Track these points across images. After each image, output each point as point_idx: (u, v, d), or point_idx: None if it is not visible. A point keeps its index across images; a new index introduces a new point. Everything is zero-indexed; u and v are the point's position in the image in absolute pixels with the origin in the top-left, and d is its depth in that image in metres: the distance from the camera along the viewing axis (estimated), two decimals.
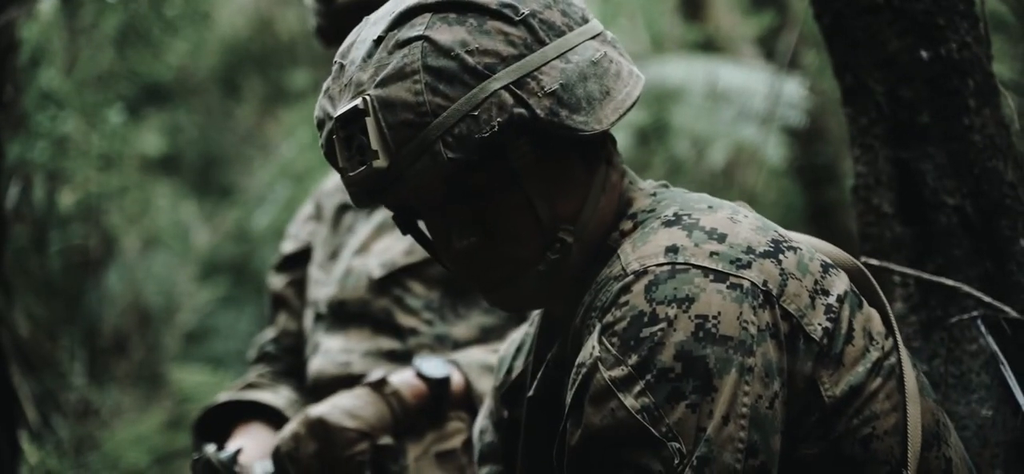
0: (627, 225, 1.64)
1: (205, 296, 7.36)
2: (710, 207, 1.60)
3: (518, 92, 1.53)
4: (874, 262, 2.10)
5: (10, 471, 3.80)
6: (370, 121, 1.53)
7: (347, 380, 2.45)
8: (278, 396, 2.59)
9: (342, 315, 2.55)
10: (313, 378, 2.55)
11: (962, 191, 2.07)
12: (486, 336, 2.48)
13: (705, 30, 6.87)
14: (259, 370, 2.71)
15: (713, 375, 1.46)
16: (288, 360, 2.72)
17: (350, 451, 2.25)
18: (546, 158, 1.58)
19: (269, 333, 2.77)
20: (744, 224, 1.57)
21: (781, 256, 1.54)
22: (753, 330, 1.48)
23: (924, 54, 2.08)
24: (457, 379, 2.36)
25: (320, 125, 1.62)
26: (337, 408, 2.27)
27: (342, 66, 1.60)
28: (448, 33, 1.54)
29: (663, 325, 1.47)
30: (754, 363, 1.47)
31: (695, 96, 6.05)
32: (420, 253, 2.48)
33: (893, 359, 1.59)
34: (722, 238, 1.53)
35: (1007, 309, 2.02)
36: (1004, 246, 2.06)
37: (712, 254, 1.51)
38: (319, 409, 2.27)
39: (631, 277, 1.51)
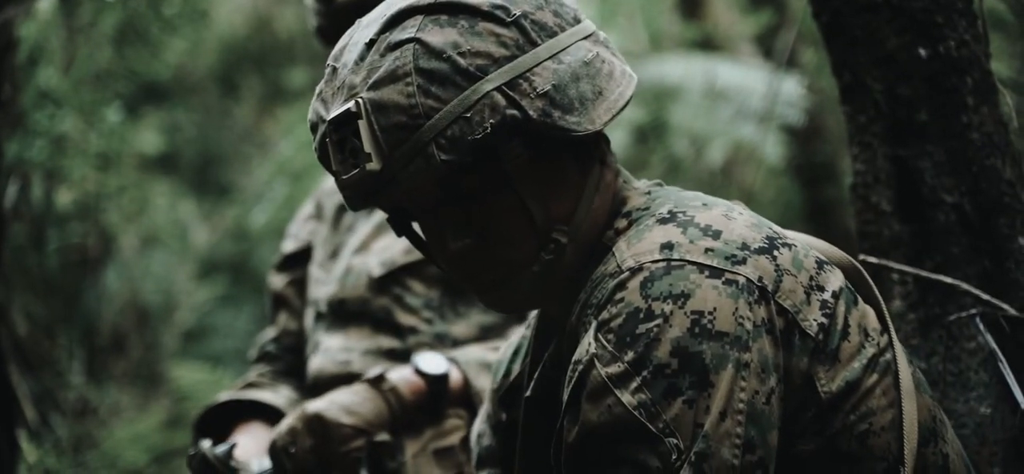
0: (622, 223, 1.64)
1: (203, 295, 7.36)
2: (705, 204, 1.61)
3: (510, 93, 1.53)
4: (872, 260, 2.10)
5: (9, 470, 3.80)
6: (363, 124, 1.53)
7: (347, 378, 2.45)
8: (278, 395, 2.59)
9: (342, 314, 2.55)
10: (313, 376, 2.55)
11: (960, 189, 2.07)
12: (485, 334, 2.48)
13: (703, 28, 6.87)
14: (260, 369, 2.71)
15: (709, 371, 1.46)
16: (289, 359, 2.72)
17: (346, 447, 2.25)
18: (539, 159, 1.59)
19: (270, 332, 2.77)
20: (739, 221, 1.57)
21: (776, 252, 1.54)
22: (749, 326, 1.48)
23: (922, 52, 2.08)
24: (455, 376, 2.37)
25: (313, 128, 1.62)
26: (334, 404, 2.27)
27: (335, 69, 1.61)
28: (440, 35, 1.54)
29: (659, 321, 1.47)
30: (750, 359, 1.47)
31: (693, 94, 6.05)
32: (419, 252, 2.48)
33: (889, 355, 1.59)
34: (717, 235, 1.53)
35: (1005, 307, 2.02)
36: (1002, 244, 2.06)
37: (707, 250, 1.51)
38: (316, 405, 2.27)
39: (626, 274, 1.51)
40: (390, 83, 1.53)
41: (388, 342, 2.49)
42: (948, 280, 2.05)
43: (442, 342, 2.47)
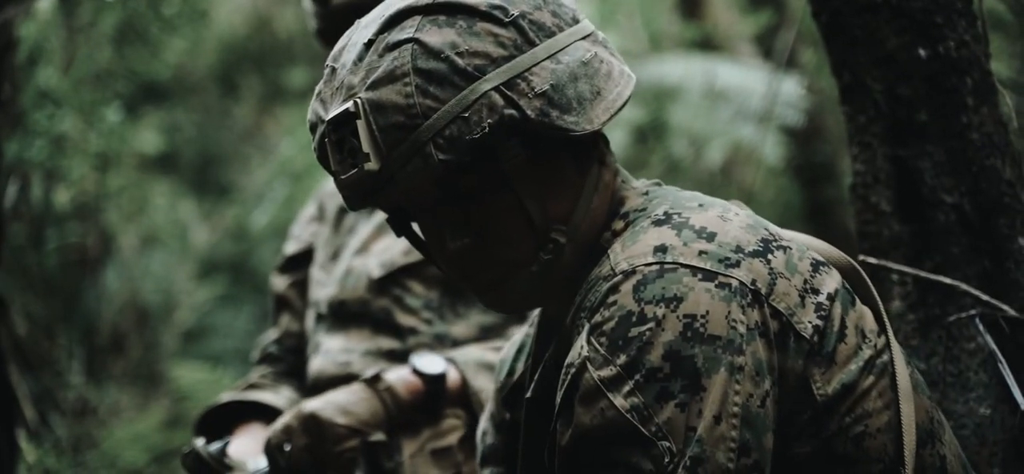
0: (619, 225, 1.64)
1: (203, 294, 7.36)
2: (701, 205, 1.60)
3: (508, 93, 1.53)
4: (872, 260, 2.10)
5: (8, 470, 3.80)
6: (361, 124, 1.54)
7: (347, 379, 2.45)
8: (279, 396, 2.59)
9: (342, 315, 2.55)
10: (313, 377, 2.55)
11: (960, 189, 2.07)
12: (485, 334, 2.48)
13: (703, 28, 6.87)
14: (261, 371, 2.72)
15: (701, 375, 1.46)
16: (290, 360, 2.72)
17: (340, 447, 2.25)
18: (537, 159, 1.59)
19: (272, 334, 2.78)
20: (734, 222, 1.57)
21: (770, 255, 1.54)
22: (742, 329, 1.48)
23: (922, 52, 2.08)
24: (453, 376, 2.37)
25: (312, 128, 1.63)
26: (330, 404, 2.28)
27: (333, 69, 1.61)
28: (438, 35, 1.54)
29: (651, 325, 1.47)
30: (744, 362, 1.47)
31: (693, 94, 6.05)
32: (419, 253, 2.48)
33: (886, 357, 1.59)
34: (711, 237, 1.53)
35: (1005, 307, 2.02)
36: (1002, 244, 2.06)
37: (701, 253, 1.51)
38: (312, 404, 2.28)
39: (619, 277, 1.51)
40: (388, 83, 1.53)
41: (388, 343, 2.49)
42: (948, 281, 2.05)
43: (442, 343, 2.47)
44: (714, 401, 1.45)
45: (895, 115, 2.10)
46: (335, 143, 1.57)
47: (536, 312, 1.87)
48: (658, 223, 1.56)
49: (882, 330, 1.62)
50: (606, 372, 1.48)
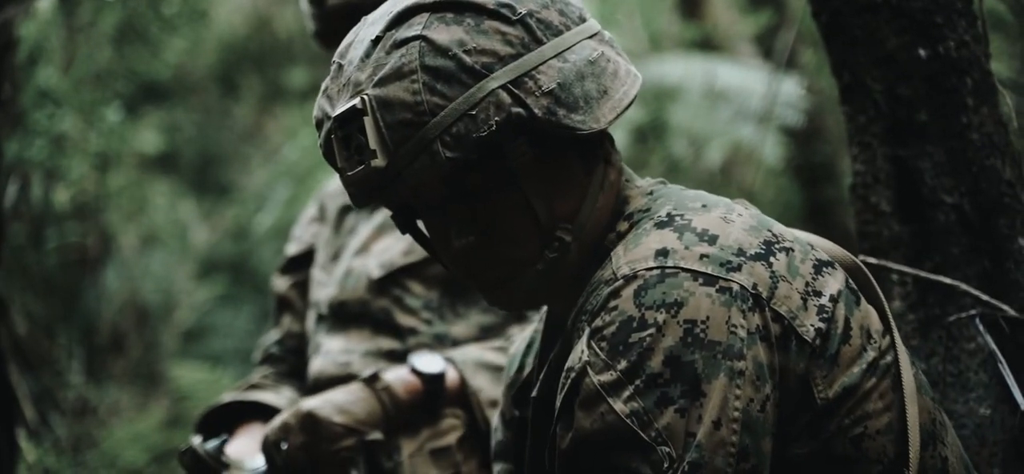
0: (623, 226, 1.64)
1: (203, 294, 7.36)
2: (704, 206, 1.60)
3: (516, 91, 1.53)
4: (872, 260, 2.10)
5: (8, 469, 3.80)
6: (368, 121, 1.53)
7: (347, 380, 2.45)
8: (280, 397, 2.59)
9: (342, 316, 2.55)
10: (313, 378, 2.55)
11: (960, 189, 2.07)
12: (485, 334, 2.48)
13: (703, 28, 6.87)
14: (263, 371, 2.72)
15: (701, 380, 1.46)
16: (292, 361, 2.72)
17: (337, 446, 2.26)
18: (544, 157, 1.58)
19: (273, 335, 2.78)
20: (737, 224, 1.56)
21: (772, 258, 1.54)
22: (742, 333, 1.48)
23: (922, 52, 2.08)
24: (452, 375, 2.37)
25: (318, 125, 1.62)
26: (328, 403, 2.28)
27: (340, 66, 1.61)
28: (446, 33, 1.54)
29: (652, 330, 1.47)
30: (745, 367, 1.47)
31: (693, 95, 6.05)
32: (419, 253, 2.49)
33: (889, 358, 1.59)
34: (713, 240, 1.53)
35: (1005, 307, 2.02)
36: (1002, 244, 2.06)
37: (702, 256, 1.51)
38: (310, 403, 2.28)
39: (621, 281, 1.51)
40: (396, 80, 1.53)
41: (388, 343, 2.49)
42: (948, 281, 2.04)
43: (442, 343, 2.47)
44: (714, 406, 1.45)
45: (895, 115, 2.10)
46: (342, 140, 1.57)
47: (544, 308, 1.87)
48: (660, 225, 1.56)
49: (887, 330, 1.62)
50: (606, 377, 1.48)
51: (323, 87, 1.63)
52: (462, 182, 1.58)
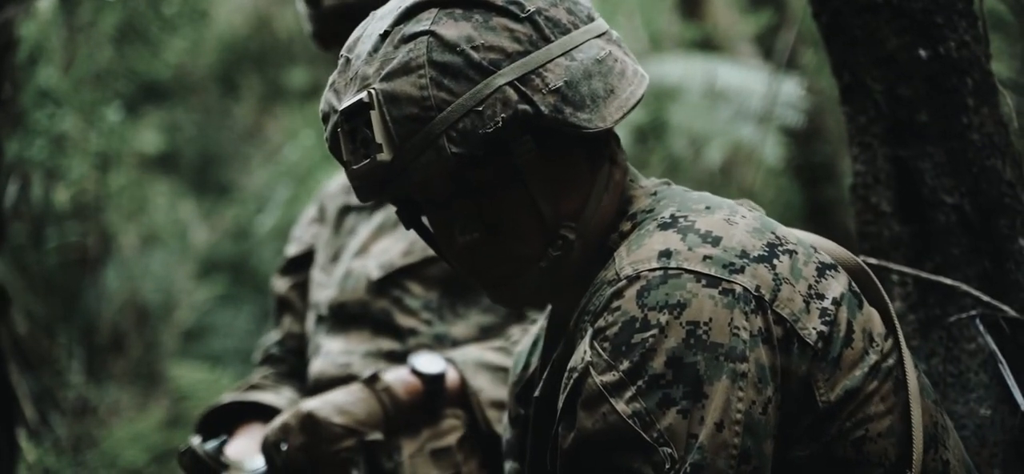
0: (626, 226, 1.64)
1: (203, 294, 7.36)
2: (708, 208, 1.60)
3: (522, 88, 1.54)
4: (873, 261, 2.10)
5: (8, 469, 3.80)
6: (375, 114, 1.54)
7: (347, 381, 2.45)
8: (280, 397, 2.59)
9: (342, 317, 2.55)
10: (314, 379, 2.55)
11: (961, 190, 2.07)
12: (485, 335, 2.48)
13: (703, 28, 6.87)
14: (263, 372, 2.72)
15: (703, 382, 1.46)
16: (292, 362, 2.72)
17: (336, 446, 2.26)
18: (550, 155, 1.59)
19: (274, 336, 2.78)
20: (741, 226, 1.56)
21: (776, 260, 1.54)
22: (745, 336, 1.48)
23: (922, 53, 2.08)
24: (452, 376, 2.36)
25: (325, 118, 1.63)
26: (327, 403, 2.28)
27: (348, 60, 1.61)
28: (454, 28, 1.54)
29: (655, 331, 1.47)
30: (747, 369, 1.47)
31: (693, 94, 6.05)
32: (418, 254, 2.48)
33: (891, 361, 1.59)
34: (716, 242, 1.53)
35: (1006, 308, 2.02)
36: (1002, 245, 2.06)
37: (705, 258, 1.51)
38: (310, 403, 2.28)
39: (623, 282, 1.51)
40: (403, 75, 1.53)
41: (388, 344, 2.49)
42: (948, 281, 2.04)
43: (442, 343, 2.46)
44: (716, 408, 1.45)
45: (895, 116, 2.10)
46: (348, 133, 1.57)
47: (549, 307, 1.87)
48: (664, 226, 1.56)
49: (890, 332, 1.61)
50: (609, 377, 1.48)
51: (330, 81, 1.63)
52: (467, 178, 1.58)
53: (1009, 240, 2.06)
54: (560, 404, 1.54)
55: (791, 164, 6.50)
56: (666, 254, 1.51)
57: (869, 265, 2.05)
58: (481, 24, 1.55)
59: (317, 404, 2.27)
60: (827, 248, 1.69)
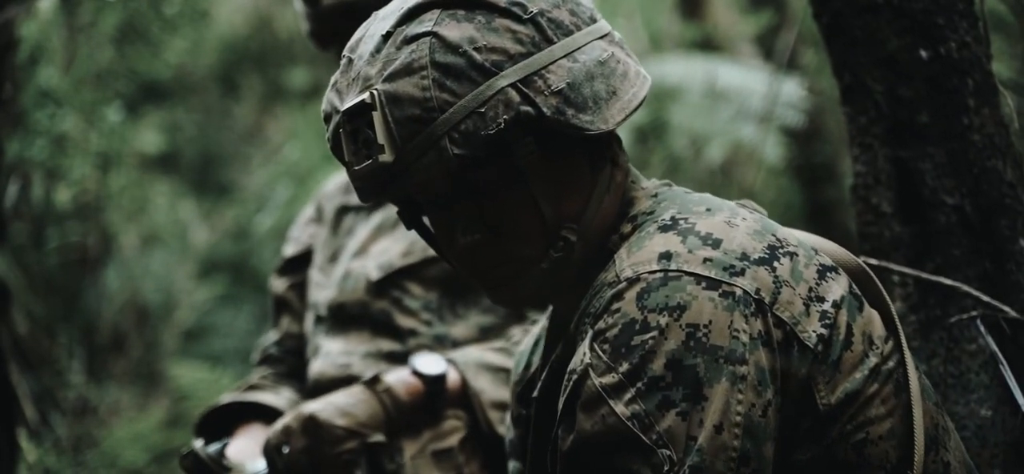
0: (626, 228, 1.64)
1: (203, 294, 7.36)
2: (709, 210, 1.60)
3: (525, 90, 1.53)
4: (873, 261, 2.10)
5: (8, 469, 3.80)
6: (377, 115, 1.54)
7: (348, 382, 2.45)
8: (280, 397, 2.59)
9: (342, 318, 2.55)
10: (314, 380, 2.55)
11: (961, 190, 2.07)
12: (485, 335, 2.48)
13: (703, 29, 6.87)
14: (262, 372, 2.71)
15: (703, 384, 1.46)
16: (291, 362, 2.72)
17: (338, 448, 2.25)
18: (552, 156, 1.59)
19: (272, 336, 2.78)
20: (741, 228, 1.56)
21: (776, 263, 1.54)
22: (745, 338, 1.48)
23: (923, 53, 2.08)
24: (453, 377, 2.36)
25: (327, 118, 1.63)
26: (330, 405, 2.27)
27: (350, 60, 1.61)
28: (457, 30, 1.54)
29: (654, 333, 1.47)
30: (747, 371, 1.47)
31: (693, 94, 6.05)
32: (417, 254, 2.48)
33: (892, 363, 1.58)
34: (717, 244, 1.53)
35: (1006, 309, 2.02)
36: (1003, 246, 2.06)
37: (705, 260, 1.51)
38: (312, 406, 2.28)
39: (623, 284, 1.51)
40: (405, 76, 1.53)
41: (388, 345, 2.49)
42: (949, 282, 2.04)
43: (442, 344, 2.46)
44: (715, 411, 1.45)
45: (896, 116, 2.10)
46: (350, 134, 1.57)
47: (550, 308, 1.87)
48: (664, 229, 1.56)
49: (891, 333, 1.61)
50: (608, 379, 1.48)
51: (332, 81, 1.63)
52: (469, 179, 1.58)
53: (1010, 241, 2.06)
54: (560, 406, 1.54)
55: (791, 164, 6.50)
56: (666, 256, 1.51)
57: (870, 266, 2.05)
58: (484, 25, 1.55)
59: (319, 406, 2.27)
60: (828, 250, 1.69)
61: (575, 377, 1.51)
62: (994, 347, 2.02)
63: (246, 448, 2.44)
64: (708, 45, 6.78)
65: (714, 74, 6.00)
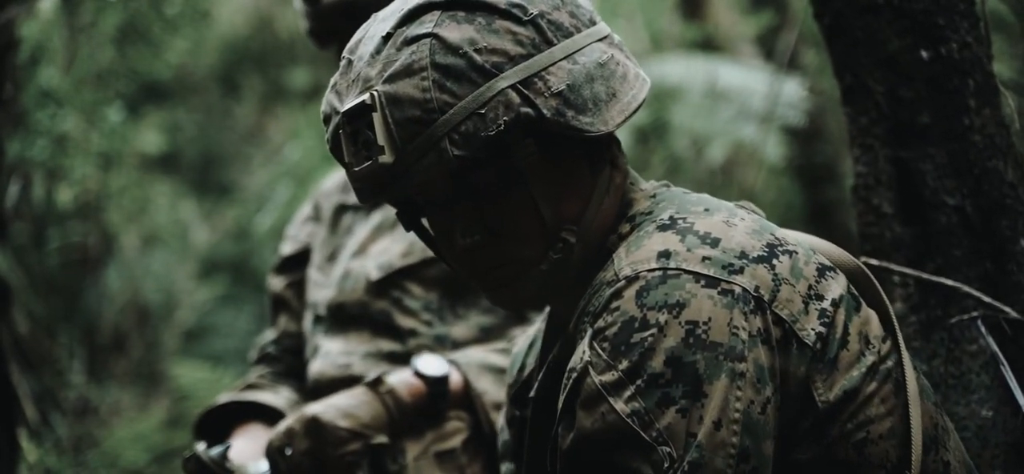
0: (624, 228, 1.64)
1: (204, 294, 7.37)
2: (707, 210, 1.60)
3: (525, 91, 1.54)
4: (874, 262, 2.10)
5: (9, 469, 3.80)
6: (377, 117, 1.54)
7: (348, 381, 2.45)
8: (278, 396, 2.59)
9: (341, 318, 2.54)
10: (313, 380, 2.55)
11: (962, 191, 2.07)
12: (485, 336, 2.48)
13: (704, 29, 6.87)
14: (260, 371, 2.71)
15: (703, 381, 1.46)
16: (289, 361, 2.72)
17: (342, 450, 2.25)
18: (551, 158, 1.59)
19: (270, 334, 2.77)
20: (739, 228, 1.57)
21: (775, 261, 1.54)
22: (744, 336, 1.48)
23: (924, 54, 2.08)
24: (456, 378, 2.36)
25: (327, 120, 1.63)
26: (332, 407, 2.27)
27: (350, 61, 1.61)
28: (457, 31, 1.54)
29: (653, 331, 1.47)
30: (746, 368, 1.47)
31: (694, 95, 6.05)
32: (417, 254, 2.48)
33: (890, 363, 1.59)
34: (715, 243, 1.53)
35: (1007, 309, 2.02)
36: (1004, 246, 2.06)
37: (704, 259, 1.51)
38: (314, 407, 2.28)
39: (623, 282, 1.51)
40: (406, 77, 1.53)
41: (388, 345, 2.48)
42: (950, 283, 2.04)
43: (442, 344, 2.46)
44: (715, 407, 1.45)
45: (897, 117, 2.10)
46: (350, 135, 1.57)
47: (547, 308, 1.87)
48: (663, 228, 1.56)
49: (889, 334, 1.61)
50: (608, 377, 1.48)
51: (332, 82, 1.63)
52: (469, 181, 1.58)
53: (1011, 241, 2.06)
54: (560, 404, 1.54)
55: (792, 165, 6.50)
56: (665, 255, 1.51)
57: (870, 266, 2.06)
58: (484, 27, 1.55)
59: (321, 408, 2.27)
60: (825, 250, 1.69)
61: (575, 375, 1.51)
62: (995, 348, 2.02)
63: (247, 449, 2.43)
64: (709, 45, 6.78)
65: (715, 74, 6.01)
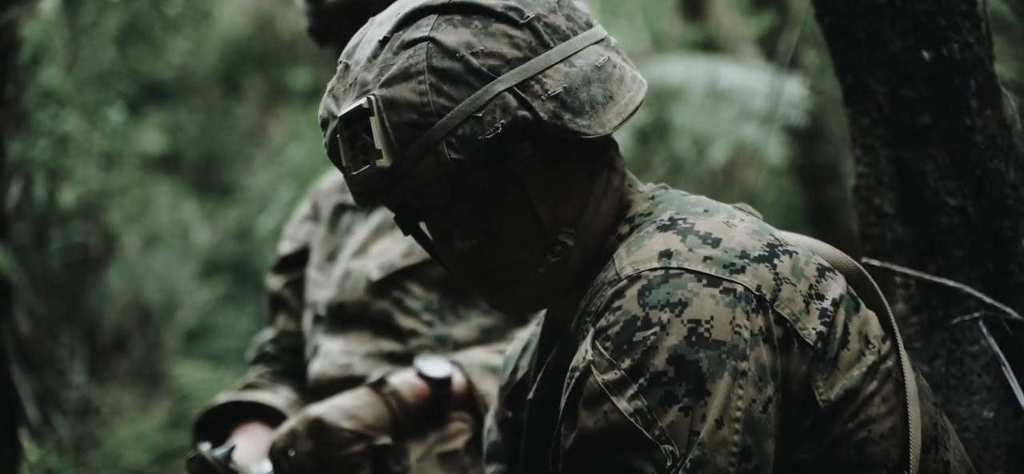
0: (624, 229, 1.65)
1: (205, 294, 7.37)
2: (706, 211, 1.60)
3: (522, 95, 1.54)
4: (875, 263, 2.10)
5: (10, 469, 3.80)
6: (374, 121, 1.54)
7: (348, 382, 2.45)
8: (278, 396, 2.59)
9: (341, 317, 2.54)
10: (314, 380, 2.55)
11: (964, 192, 2.07)
12: (486, 337, 2.48)
13: (705, 30, 6.87)
14: (259, 370, 2.71)
15: (706, 379, 1.46)
16: (288, 360, 2.71)
17: (345, 451, 2.25)
18: (549, 161, 1.59)
19: (268, 334, 2.77)
20: (740, 228, 1.57)
21: (776, 260, 1.54)
22: (746, 334, 1.48)
23: (926, 54, 2.08)
24: (458, 379, 2.36)
25: (324, 124, 1.62)
26: (335, 408, 2.27)
27: (347, 66, 1.61)
28: (453, 35, 1.54)
29: (656, 329, 1.47)
30: (747, 367, 1.47)
31: (695, 95, 6.05)
32: (419, 255, 2.48)
33: (890, 362, 1.59)
34: (716, 243, 1.53)
35: (1009, 310, 2.02)
36: (1006, 247, 2.06)
37: (706, 259, 1.51)
38: (317, 408, 2.27)
39: (624, 282, 1.51)
40: (402, 81, 1.53)
41: (389, 345, 2.48)
42: (951, 283, 2.04)
43: (443, 344, 2.46)
44: (717, 406, 1.46)
45: (898, 117, 2.10)
46: (347, 139, 1.57)
47: (542, 311, 1.87)
48: (663, 228, 1.56)
49: (889, 334, 1.62)
50: (610, 376, 1.48)
51: (329, 87, 1.63)
52: (467, 184, 1.58)
53: (1012, 242, 2.06)
54: (562, 404, 1.54)
55: (794, 165, 6.50)
56: (667, 254, 1.52)
57: (872, 267, 2.06)
58: (480, 30, 1.55)
59: (325, 409, 2.27)
60: (824, 252, 1.69)
61: (577, 375, 1.51)
62: (996, 348, 2.02)
63: (248, 449, 2.43)
64: (710, 46, 6.78)
65: (716, 75, 6.00)
